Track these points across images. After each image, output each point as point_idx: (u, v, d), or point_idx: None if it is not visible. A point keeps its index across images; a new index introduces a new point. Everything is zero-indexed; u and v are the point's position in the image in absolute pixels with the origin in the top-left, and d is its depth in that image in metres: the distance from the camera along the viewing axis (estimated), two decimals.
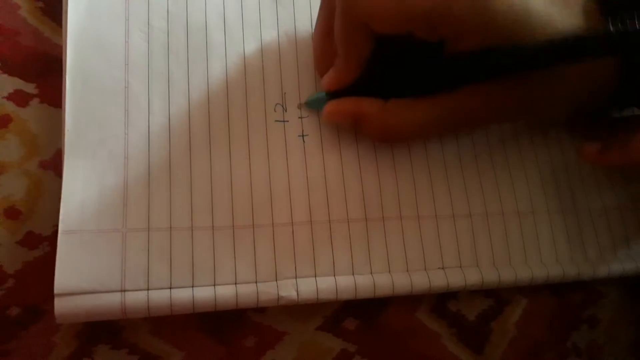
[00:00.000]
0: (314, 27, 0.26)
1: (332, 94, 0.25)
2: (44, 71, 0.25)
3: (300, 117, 0.26)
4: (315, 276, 0.24)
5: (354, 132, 0.26)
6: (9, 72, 0.25)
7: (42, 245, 0.23)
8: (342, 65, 0.24)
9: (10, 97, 0.24)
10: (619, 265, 0.29)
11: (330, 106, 0.25)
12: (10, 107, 0.24)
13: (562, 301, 0.30)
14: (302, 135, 0.26)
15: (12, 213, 0.23)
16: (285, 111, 0.26)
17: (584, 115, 0.29)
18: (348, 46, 0.23)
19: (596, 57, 0.21)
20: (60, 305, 0.20)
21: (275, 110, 0.26)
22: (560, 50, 0.21)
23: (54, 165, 0.24)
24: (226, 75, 0.25)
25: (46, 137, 0.24)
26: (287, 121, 0.26)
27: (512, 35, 0.21)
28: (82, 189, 0.22)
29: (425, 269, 0.25)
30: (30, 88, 0.25)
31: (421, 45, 0.22)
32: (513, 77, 0.23)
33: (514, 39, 0.21)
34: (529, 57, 0.21)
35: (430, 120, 0.24)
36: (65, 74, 0.23)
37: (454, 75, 0.23)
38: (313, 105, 0.26)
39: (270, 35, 0.26)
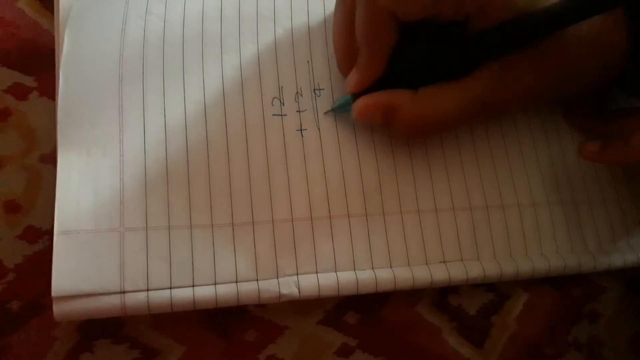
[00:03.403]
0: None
1: (359, 94, 0.24)
2: (43, 64, 0.25)
3: (299, 111, 0.25)
4: (317, 272, 0.24)
5: (352, 127, 0.26)
6: (7, 65, 0.25)
7: (42, 239, 0.23)
8: (365, 62, 0.23)
9: (9, 91, 0.24)
10: (620, 256, 0.28)
11: (360, 101, 0.24)
12: (9, 101, 0.24)
13: (563, 295, 0.29)
14: (301, 130, 0.25)
15: (12, 207, 0.23)
16: (283, 105, 0.25)
17: (602, 87, 0.29)
18: (372, 39, 0.22)
19: (611, 7, 0.22)
20: (59, 308, 0.20)
21: (272, 104, 0.25)
22: (575, 6, 0.21)
23: (54, 159, 0.24)
24: (222, 70, 0.25)
25: (45, 131, 0.24)
26: (285, 115, 0.25)
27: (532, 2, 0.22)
28: (77, 187, 0.22)
29: (426, 263, 0.25)
30: (29, 81, 0.25)
31: (443, 28, 0.22)
32: (536, 48, 0.23)
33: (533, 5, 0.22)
34: (549, 18, 0.22)
35: (466, 103, 0.23)
36: (57, 65, 0.22)
37: (480, 52, 0.23)
38: (341, 110, 0.25)
39: (267, 27, 0.26)
